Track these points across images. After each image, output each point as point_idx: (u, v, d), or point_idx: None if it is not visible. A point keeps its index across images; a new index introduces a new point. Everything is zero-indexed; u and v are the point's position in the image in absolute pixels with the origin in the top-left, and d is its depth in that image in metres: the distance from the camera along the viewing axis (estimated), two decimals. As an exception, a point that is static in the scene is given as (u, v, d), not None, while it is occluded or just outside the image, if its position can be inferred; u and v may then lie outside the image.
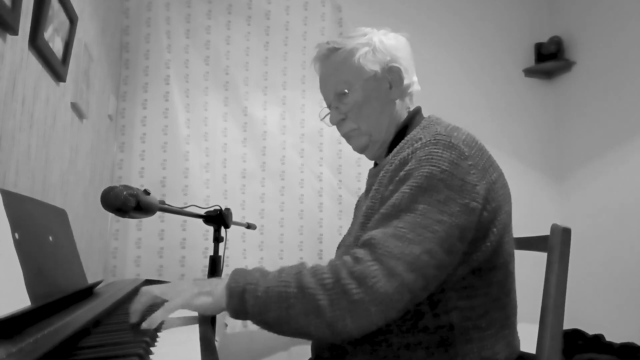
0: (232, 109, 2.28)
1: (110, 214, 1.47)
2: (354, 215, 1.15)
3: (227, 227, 1.50)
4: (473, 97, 2.84)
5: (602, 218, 2.61)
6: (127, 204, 0.96)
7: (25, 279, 0.65)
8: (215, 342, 0.70)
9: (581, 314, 2.49)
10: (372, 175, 1.05)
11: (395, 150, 0.95)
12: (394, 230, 0.76)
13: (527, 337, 0.97)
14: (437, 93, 2.62)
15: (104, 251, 1.94)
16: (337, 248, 1.10)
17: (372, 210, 0.88)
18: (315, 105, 2.29)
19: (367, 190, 1.03)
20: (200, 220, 1.48)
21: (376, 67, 0.99)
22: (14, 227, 0.67)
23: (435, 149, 0.82)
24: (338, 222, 2.36)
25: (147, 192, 1.04)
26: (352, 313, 0.71)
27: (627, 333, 2.25)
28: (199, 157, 2.16)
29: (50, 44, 1.14)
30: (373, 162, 1.10)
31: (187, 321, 0.80)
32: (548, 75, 2.99)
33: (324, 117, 1.09)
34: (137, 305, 0.74)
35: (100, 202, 0.96)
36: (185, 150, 2.11)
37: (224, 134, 2.26)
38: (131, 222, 2.00)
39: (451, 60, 2.83)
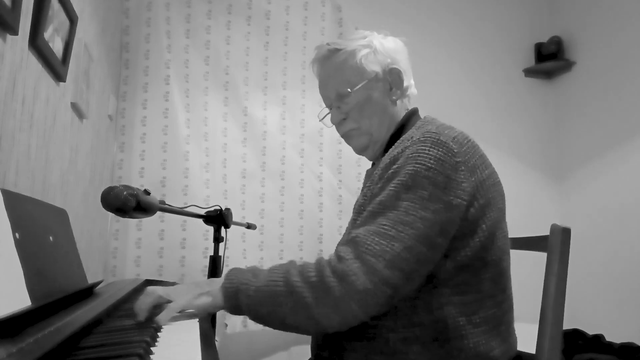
0: (232, 109, 2.28)
1: (110, 214, 1.47)
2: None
3: (227, 227, 1.50)
4: (473, 97, 2.84)
5: (602, 218, 2.61)
6: (127, 204, 0.96)
7: (25, 278, 0.65)
8: (215, 342, 0.70)
9: (581, 314, 2.49)
10: (368, 175, 1.07)
11: (390, 150, 0.97)
12: (376, 227, 0.79)
13: (527, 337, 0.97)
14: (437, 93, 2.62)
15: (104, 251, 1.94)
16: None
17: (362, 208, 0.90)
18: (315, 105, 2.29)
19: (363, 190, 1.04)
20: (200, 220, 1.48)
21: (377, 68, 1.01)
22: (14, 227, 0.67)
23: (423, 146, 0.84)
24: (338, 222, 2.36)
25: (147, 192, 1.04)
26: (335, 309, 0.76)
27: (627, 333, 2.25)
28: (199, 157, 2.16)
29: (50, 44, 1.14)
30: (371, 162, 1.12)
31: (188, 316, 0.82)
32: (548, 75, 2.99)
33: (323, 118, 1.11)
34: (143, 305, 0.77)
35: (100, 202, 0.96)
36: (185, 150, 2.11)
37: (224, 134, 2.26)
38: (131, 222, 2.00)
39: (451, 60, 2.83)
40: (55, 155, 1.26)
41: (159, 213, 1.26)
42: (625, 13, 2.55)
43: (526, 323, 1.13)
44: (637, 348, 2.11)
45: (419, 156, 0.83)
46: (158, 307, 0.78)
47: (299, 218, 2.32)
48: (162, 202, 1.14)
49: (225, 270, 1.53)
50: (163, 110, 2.11)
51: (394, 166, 0.86)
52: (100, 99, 1.76)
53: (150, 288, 0.81)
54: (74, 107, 1.40)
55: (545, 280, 0.92)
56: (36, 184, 1.13)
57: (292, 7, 2.41)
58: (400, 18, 2.70)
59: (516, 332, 0.94)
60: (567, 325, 1.09)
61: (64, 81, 1.28)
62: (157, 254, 2.03)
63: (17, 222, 0.69)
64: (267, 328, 0.83)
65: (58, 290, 0.77)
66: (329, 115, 1.08)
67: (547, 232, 0.96)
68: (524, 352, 0.94)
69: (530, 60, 2.97)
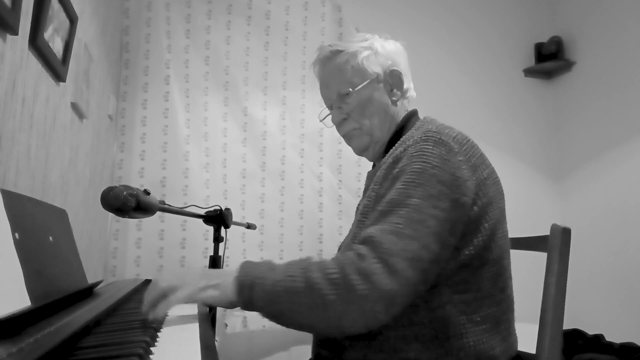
0: (232, 109, 2.28)
1: (110, 214, 1.47)
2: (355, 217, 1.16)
3: (227, 227, 1.50)
4: (473, 97, 2.84)
5: (602, 218, 2.61)
6: (127, 204, 0.96)
7: (25, 279, 0.65)
8: (215, 342, 0.70)
9: (581, 314, 2.49)
10: (370, 176, 1.08)
11: (391, 150, 0.97)
12: (390, 226, 0.77)
13: (527, 337, 0.97)
14: (437, 93, 2.62)
15: (104, 251, 1.94)
16: (338, 249, 1.10)
17: (368, 209, 0.90)
18: (315, 105, 2.29)
19: (365, 191, 1.05)
20: (200, 220, 1.48)
21: (378, 70, 1.03)
22: (14, 227, 0.67)
23: (425, 145, 0.84)
24: (338, 222, 2.36)
25: (147, 192, 1.04)
26: (358, 308, 0.72)
27: (627, 333, 2.25)
28: (199, 157, 2.16)
29: (50, 44, 1.14)
30: (372, 163, 1.12)
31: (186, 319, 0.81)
32: (548, 75, 2.99)
33: (323, 118, 1.12)
34: (149, 298, 0.75)
35: (100, 202, 0.96)
36: (185, 150, 2.11)
37: (224, 134, 2.26)
38: (131, 222, 2.00)
39: (451, 60, 2.83)
40: (55, 155, 1.26)
41: (158, 213, 1.26)
42: (625, 13, 2.55)
43: (526, 323, 1.13)
44: (637, 348, 2.11)
45: (423, 154, 0.83)
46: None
47: (299, 218, 2.32)
48: (162, 202, 1.14)
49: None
50: (163, 110, 2.11)
51: (398, 165, 0.86)
52: (100, 99, 1.76)
53: (155, 279, 0.78)
54: (74, 107, 1.40)
55: (545, 280, 0.92)
56: (36, 184, 1.13)
57: (292, 7, 2.41)
58: (400, 18, 2.70)
59: (516, 332, 0.94)
60: (567, 325, 1.09)
61: (64, 81, 1.28)
62: (157, 254, 2.03)
63: (16, 222, 0.69)
64: (267, 328, 0.82)
65: (58, 291, 0.77)
66: (330, 116, 1.09)
67: (547, 232, 0.96)
68: (524, 352, 0.94)
69: (530, 60, 2.97)
